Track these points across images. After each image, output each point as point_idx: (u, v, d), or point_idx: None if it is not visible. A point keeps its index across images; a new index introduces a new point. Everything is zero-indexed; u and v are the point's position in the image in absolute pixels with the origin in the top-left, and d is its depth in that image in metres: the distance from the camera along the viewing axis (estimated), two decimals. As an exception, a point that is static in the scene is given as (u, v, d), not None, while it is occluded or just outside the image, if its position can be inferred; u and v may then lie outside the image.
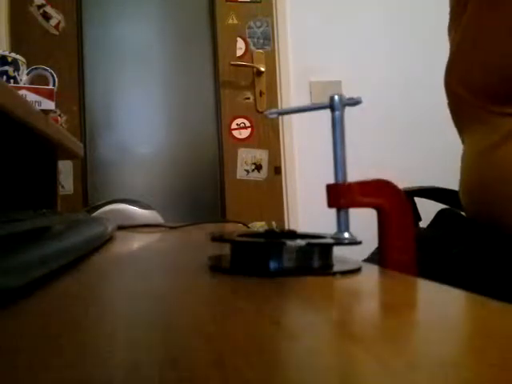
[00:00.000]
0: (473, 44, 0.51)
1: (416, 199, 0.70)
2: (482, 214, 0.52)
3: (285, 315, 0.18)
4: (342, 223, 0.29)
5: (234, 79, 2.13)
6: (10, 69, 0.85)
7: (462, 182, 0.57)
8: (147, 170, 2.08)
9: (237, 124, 2.13)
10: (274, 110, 0.33)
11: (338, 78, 2.14)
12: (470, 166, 0.55)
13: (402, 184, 0.41)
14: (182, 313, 0.18)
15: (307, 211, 2.07)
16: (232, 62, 2.10)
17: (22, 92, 0.83)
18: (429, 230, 0.62)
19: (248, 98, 2.14)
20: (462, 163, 0.58)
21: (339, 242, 0.28)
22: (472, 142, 0.55)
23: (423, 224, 0.69)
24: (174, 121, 2.11)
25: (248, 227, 0.87)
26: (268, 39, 2.17)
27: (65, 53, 2.02)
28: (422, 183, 0.76)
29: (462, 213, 0.60)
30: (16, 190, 0.87)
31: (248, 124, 2.13)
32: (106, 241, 0.47)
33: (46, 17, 2.02)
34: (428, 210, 0.70)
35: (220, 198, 2.12)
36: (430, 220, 0.64)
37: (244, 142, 2.13)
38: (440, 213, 0.63)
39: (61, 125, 1.92)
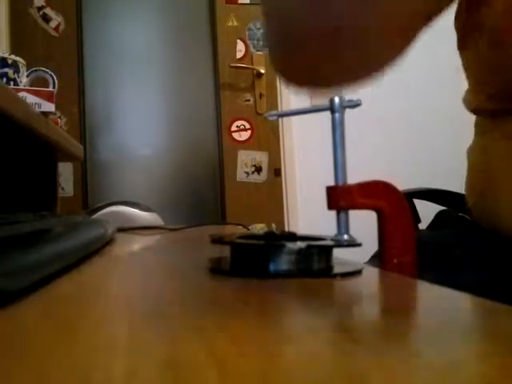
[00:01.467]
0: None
1: (415, 201, 0.70)
2: (484, 213, 0.52)
3: (285, 317, 0.18)
4: (342, 225, 0.29)
5: (234, 81, 2.13)
6: (9, 71, 0.85)
7: (468, 178, 0.57)
8: (147, 172, 2.08)
9: (237, 126, 2.13)
10: (273, 112, 0.33)
11: (337, 80, 2.14)
12: (476, 163, 0.56)
13: (402, 186, 0.41)
14: (182, 314, 0.18)
15: (307, 213, 2.07)
16: (232, 64, 2.10)
17: (22, 94, 0.83)
18: (428, 232, 0.62)
19: (248, 100, 2.14)
20: (467, 160, 0.58)
21: (339, 243, 0.28)
22: (479, 139, 0.56)
23: (422, 226, 0.69)
24: (173, 123, 2.11)
25: (248, 229, 0.87)
26: (268, 41, 2.17)
27: (65, 55, 2.02)
28: (421, 185, 0.76)
29: (461, 214, 0.60)
30: (16, 192, 0.87)
31: (248, 126, 2.13)
32: (105, 243, 0.47)
33: (46, 19, 2.02)
34: (427, 211, 0.70)
35: (220, 200, 2.12)
36: (429, 222, 0.64)
37: (244, 144, 2.13)
38: (439, 214, 0.63)
39: (61, 127, 1.92)
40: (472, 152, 0.58)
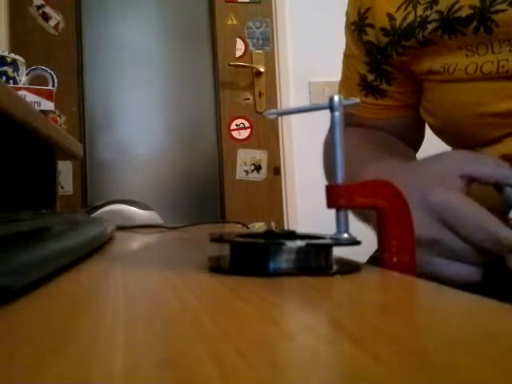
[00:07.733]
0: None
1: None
2: None
3: (284, 315, 0.18)
4: (342, 224, 0.29)
5: (234, 80, 2.13)
6: (9, 69, 0.85)
7: None
8: (146, 171, 2.08)
9: (236, 125, 2.13)
10: (273, 111, 0.33)
11: (337, 79, 2.14)
12: None
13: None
14: (182, 313, 0.18)
15: (306, 212, 2.07)
16: (231, 63, 2.10)
17: (22, 92, 0.83)
18: None
19: (247, 99, 2.14)
20: None
21: (338, 242, 0.28)
22: None
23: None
24: (173, 121, 2.11)
25: (247, 228, 0.87)
26: (267, 40, 2.17)
27: (64, 53, 2.02)
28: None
29: None
30: (15, 190, 0.87)
31: (247, 124, 2.13)
32: (105, 242, 0.47)
33: (46, 17, 2.02)
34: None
35: (219, 198, 2.12)
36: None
37: (243, 143, 2.13)
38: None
39: (60, 125, 1.92)
40: None
